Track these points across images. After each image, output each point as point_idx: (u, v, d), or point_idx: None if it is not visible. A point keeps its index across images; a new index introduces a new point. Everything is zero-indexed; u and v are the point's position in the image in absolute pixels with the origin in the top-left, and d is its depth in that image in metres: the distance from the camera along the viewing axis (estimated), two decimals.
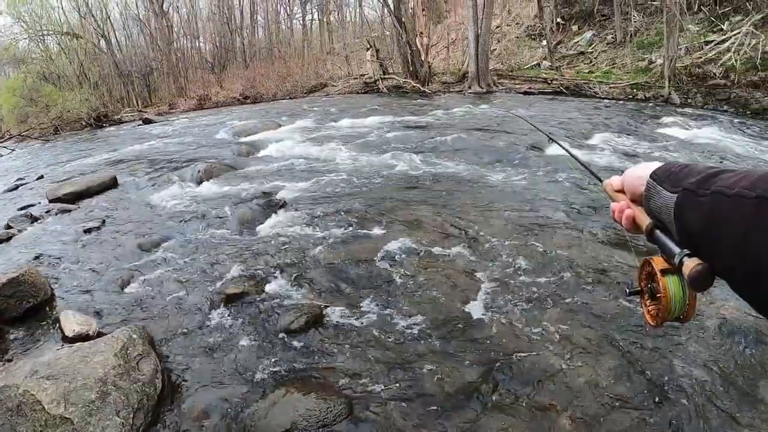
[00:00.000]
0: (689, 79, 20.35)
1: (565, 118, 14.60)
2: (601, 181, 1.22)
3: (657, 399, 3.49)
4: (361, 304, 4.62)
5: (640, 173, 1.02)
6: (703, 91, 19.72)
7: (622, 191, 1.11)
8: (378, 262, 5.39)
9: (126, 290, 5.07)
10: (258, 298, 4.76)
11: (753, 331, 3.94)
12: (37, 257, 6.04)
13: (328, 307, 4.58)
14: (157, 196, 7.76)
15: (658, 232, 0.96)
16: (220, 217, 6.69)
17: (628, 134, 12.12)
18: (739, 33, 20.74)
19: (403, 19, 23.39)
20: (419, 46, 23.31)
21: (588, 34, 27.42)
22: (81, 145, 17.43)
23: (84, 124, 25.33)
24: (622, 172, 1.09)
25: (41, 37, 31.95)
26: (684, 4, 22.72)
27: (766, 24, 20.88)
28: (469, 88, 22.04)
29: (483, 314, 4.45)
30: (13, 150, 17.97)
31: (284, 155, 9.94)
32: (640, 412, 3.38)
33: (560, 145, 1.92)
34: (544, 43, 26.61)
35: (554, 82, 22.60)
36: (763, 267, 0.70)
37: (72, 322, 4.28)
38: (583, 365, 3.81)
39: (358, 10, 40.60)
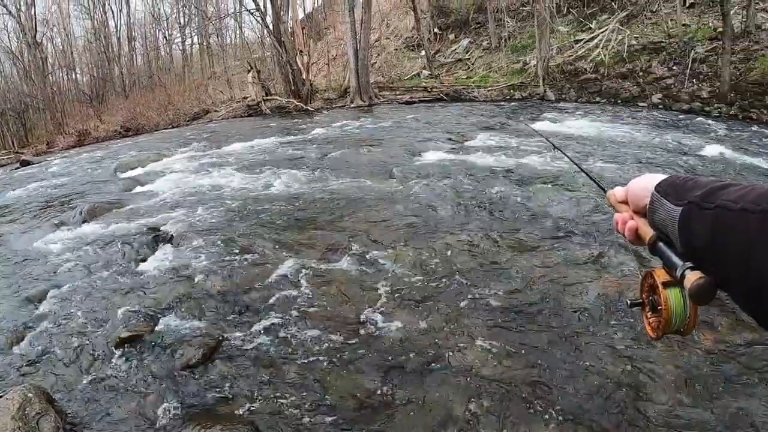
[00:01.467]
0: (562, 76, 21.90)
1: (447, 122, 15.58)
2: (605, 191, 1.24)
3: (555, 383, 3.88)
4: (259, 329, 4.76)
5: (644, 185, 1.04)
6: (576, 86, 21.30)
7: (625, 202, 1.13)
8: (271, 285, 5.59)
9: (16, 349, 4.90)
10: (153, 338, 4.75)
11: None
12: None
13: (225, 336, 4.67)
14: (41, 242, 7.63)
15: (661, 244, 0.97)
16: (107, 258, 6.66)
17: (508, 132, 13.09)
18: (606, 30, 22.48)
19: (282, 39, 23.66)
20: (300, 64, 23.65)
21: (464, 42, 28.72)
22: None
23: None
24: (624, 183, 1.13)
25: None
26: (553, 7, 24.34)
27: (630, 20, 22.79)
28: (352, 102, 22.63)
29: (378, 323, 4.76)
30: None
31: (170, 187, 10.01)
32: (539, 402, 3.70)
33: (567, 156, 2.07)
34: (423, 53, 27.59)
35: (434, 89, 23.60)
36: (767, 281, 0.72)
37: None
38: (477, 361, 4.15)
39: (238, 32, 40.42)
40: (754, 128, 13.99)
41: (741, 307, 0.82)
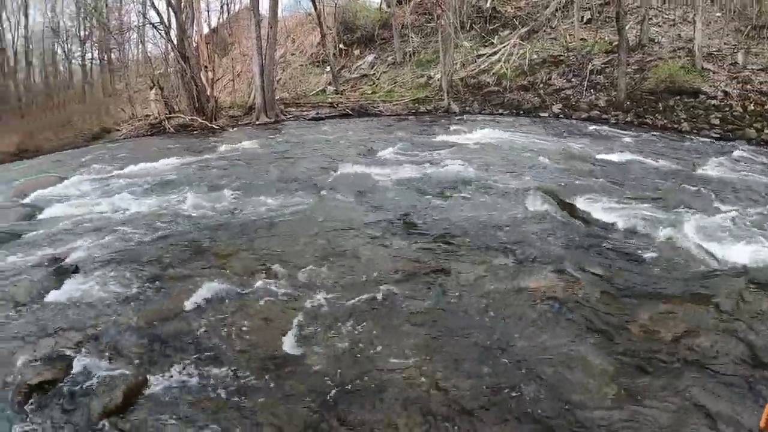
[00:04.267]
0: (466, 89, 22.75)
1: (355, 137, 15.88)
2: None
3: (493, 390, 4.10)
4: (180, 365, 4.61)
5: None
6: (480, 98, 22.18)
7: None
8: (188, 315, 5.48)
9: None
10: (66, 382, 4.38)
11: None
12: None
13: (145, 376, 4.43)
14: None
15: None
16: (4, 296, 6.19)
17: (414, 144, 13.45)
18: (507, 45, 23.46)
19: (187, 54, 23.27)
20: (204, 80, 23.37)
21: (370, 57, 29.19)
22: None
23: None
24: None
25: None
26: (457, 23, 25.14)
27: (531, 36, 23.96)
28: (257, 119, 22.61)
29: (304, 346, 4.82)
30: None
31: (72, 213, 9.68)
32: (479, 410, 3.90)
33: None
34: (329, 69, 27.80)
35: (340, 105, 23.88)
36: None
37: None
38: (413, 375, 4.30)
39: (140, 48, 39.37)
40: (650, 133, 15.19)
41: None
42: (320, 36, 29.91)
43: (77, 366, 4.63)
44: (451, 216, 7.95)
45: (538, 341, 4.80)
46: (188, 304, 5.69)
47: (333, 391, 4.20)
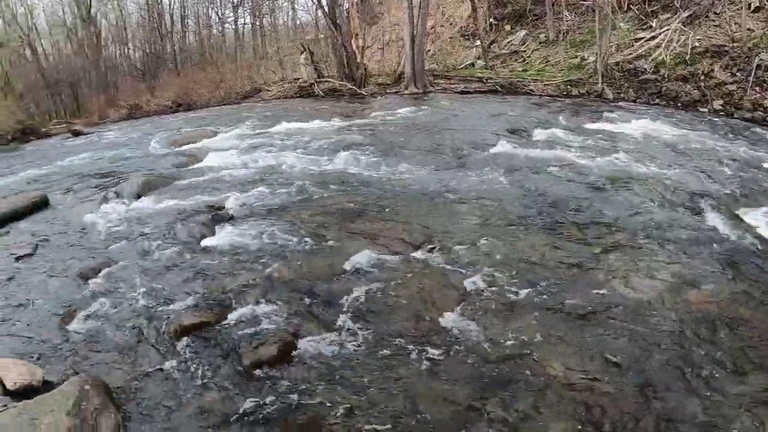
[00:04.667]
0: (621, 74, 20.99)
1: (505, 115, 14.84)
2: None
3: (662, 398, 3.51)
4: (334, 326, 4.39)
5: None
6: (635, 85, 20.41)
7: None
8: (345, 276, 5.20)
9: (69, 328, 4.54)
10: (218, 328, 4.35)
11: None
12: None
13: (299, 332, 4.28)
14: (94, 214, 7.30)
15: None
16: (164, 236, 6.26)
17: (568, 129, 12.35)
18: (668, 30, 21.49)
19: (338, 21, 23.14)
20: (354, 47, 23.10)
21: (521, 34, 27.92)
22: (7, 162, 16.49)
23: (10, 138, 24.02)
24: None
25: None
26: (615, 3, 23.38)
27: (693, 21, 21.72)
28: (406, 89, 21.97)
29: (463, 328, 4.36)
30: None
31: (225, 164, 9.56)
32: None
33: None
34: (478, 43, 26.87)
35: (489, 80, 22.82)
36: None
37: (13, 372, 3.62)
38: (565, 366, 3.81)
39: (291, 14, 40.10)
40: None
41: None
42: (471, 9, 28.91)
43: (232, 314, 4.56)
44: (614, 211, 6.89)
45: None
46: (345, 267, 5.35)
47: (489, 378, 3.78)
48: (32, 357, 4.14)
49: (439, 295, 4.86)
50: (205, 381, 3.77)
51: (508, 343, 4.14)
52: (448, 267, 5.33)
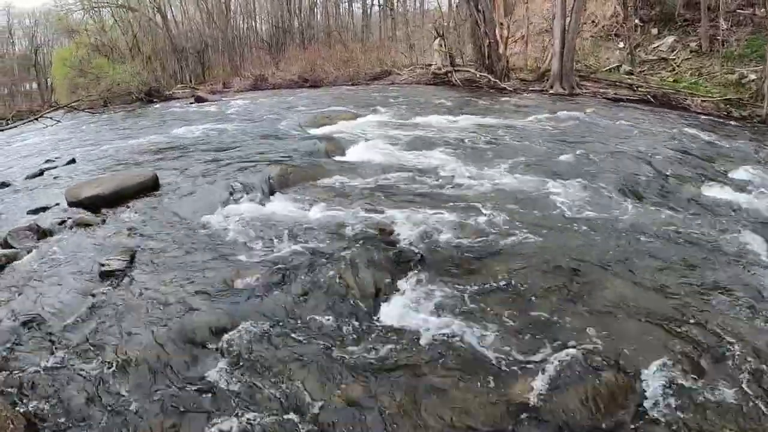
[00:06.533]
0: None
1: (676, 137, 11.35)
2: None
3: None
4: None
5: None
6: None
7: None
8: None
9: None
10: None
11: None
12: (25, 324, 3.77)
13: None
14: (213, 212, 5.51)
15: None
16: (321, 264, 4.28)
17: (750, 162, 8.89)
18: None
19: (480, 7, 20.95)
20: (498, 37, 20.91)
21: (669, 39, 24.71)
22: (127, 122, 15.99)
23: (135, 98, 23.82)
24: None
25: (96, 9, 31.22)
26: None
27: None
28: (551, 87, 19.69)
29: None
30: (59, 121, 16.23)
31: (378, 162, 7.52)
32: None
33: None
34: (622, 45, 24.08)
35: (640, 89, 19.91)
36: None
37: None
38: None
39: None
40: None
41: None
42: (622, 7, 25.89)
43: None
44: None
45: None
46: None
47: None
48: None
49: None
50: None
51: None
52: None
